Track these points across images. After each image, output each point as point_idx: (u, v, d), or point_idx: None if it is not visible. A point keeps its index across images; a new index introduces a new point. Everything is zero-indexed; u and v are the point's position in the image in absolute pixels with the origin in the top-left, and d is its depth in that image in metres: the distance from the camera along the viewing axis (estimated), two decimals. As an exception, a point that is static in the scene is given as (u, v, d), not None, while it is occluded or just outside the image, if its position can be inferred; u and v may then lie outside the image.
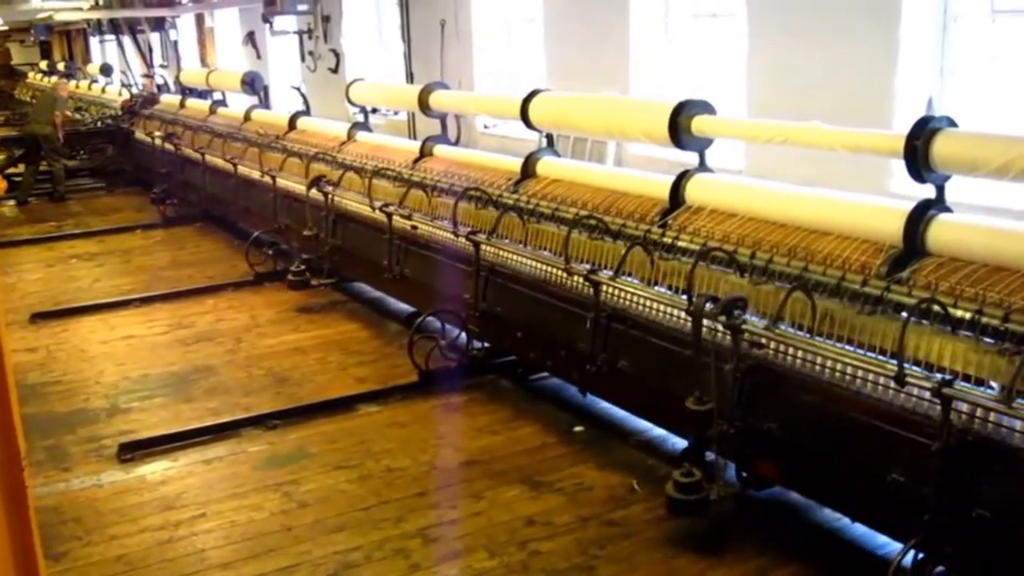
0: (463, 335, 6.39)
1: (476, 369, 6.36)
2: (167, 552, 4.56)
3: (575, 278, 5.27)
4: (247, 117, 11.18)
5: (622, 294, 5.04)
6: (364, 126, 9.06)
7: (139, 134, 13.94)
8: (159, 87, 16.44)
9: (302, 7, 13.23)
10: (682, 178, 5.27)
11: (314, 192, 7.89)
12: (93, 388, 6.74)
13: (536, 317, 5.72)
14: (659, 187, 5.39)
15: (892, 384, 3.63)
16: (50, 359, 7.41)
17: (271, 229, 9.09)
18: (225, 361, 7.13)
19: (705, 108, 5.38)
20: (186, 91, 14.13)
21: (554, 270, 5.53)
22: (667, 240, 5.07)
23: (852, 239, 4.36)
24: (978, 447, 3.42)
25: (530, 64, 9.87)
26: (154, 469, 5.46)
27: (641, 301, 4.93)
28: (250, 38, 16.40)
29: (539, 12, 9.60)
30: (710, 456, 4.28)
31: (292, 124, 10.04)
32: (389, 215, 6.88)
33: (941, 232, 4.11)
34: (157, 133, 12.72)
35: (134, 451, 5.61)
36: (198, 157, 11.09)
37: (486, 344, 6.33)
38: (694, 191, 5.20)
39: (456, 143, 8.46)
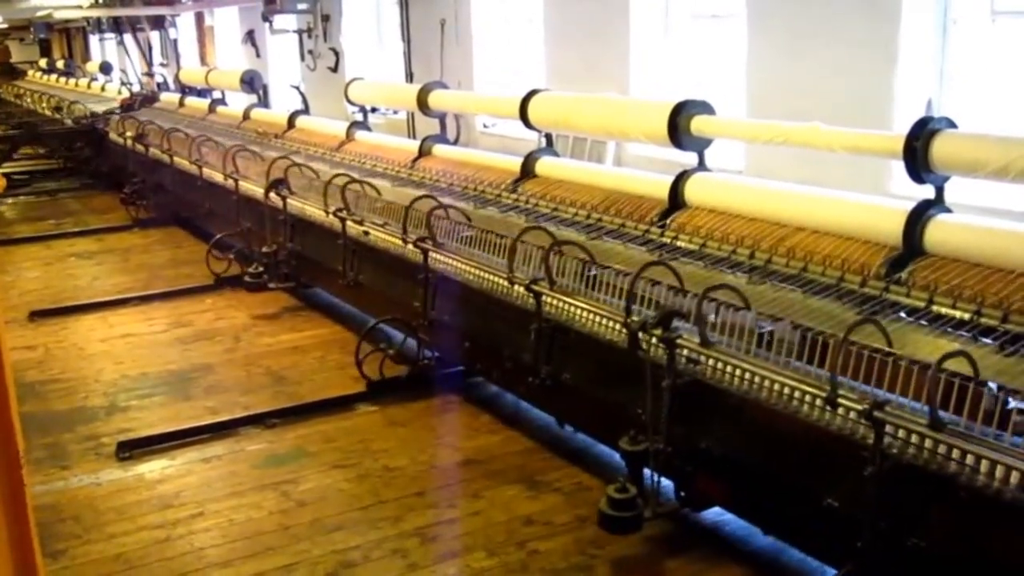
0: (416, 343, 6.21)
1: (425, 379, 6.20)
2: (165, 551, 4.56)
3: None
4: (246, 116, 11.17)
5: (565, 305, 4.83)
6: (363, 125, 9.06)
7: (112, 135, 13.79)
8: (159, 85, 16.44)
9: (302, 6, 13.26)
10: (681, 178, 5.27)
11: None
12: (92, 386, 6.74)
13: (483, 326, 5.59)
14: (658, 187, 5.39)
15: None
16: (49, 357, 7.41)
17: (233, 232, 8.98)
18: (224, 360, 7.13)
19: (704, 108, 5.38)
20: (185, 90, 14.12)
21: (498, 279, 5.28)
22: (666, 240, 5.07)
23: (851, 239, 4.37)
24: (912, 473, 3.24)
25: (529, 64, 9.88)
26: (152, 468, 5.45)
27: (582, 312, 4.70)
28: (250, 37, 16.42)
29: (539, 12, 9.61)
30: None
31: (291, 123, 10.03)
32: (343, 220, 6.78)
33: (940, 233, 4.11)
34: (128, 134, 12.60)
35: (132, 449, 5.61)
36: (166, 159, 11.00)
37: (436, 353, 6.22)
38: (693, 191, 5.20)
39: (455, 143, 8.46)
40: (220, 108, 12.28)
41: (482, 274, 5.42)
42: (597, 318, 4.60)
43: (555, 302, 4.83)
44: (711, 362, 3.95)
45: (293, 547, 4.53)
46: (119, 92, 17.05)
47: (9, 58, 32.03)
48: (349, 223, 6.76)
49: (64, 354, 7.48)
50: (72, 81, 20.96)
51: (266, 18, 14.04)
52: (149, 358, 7.27)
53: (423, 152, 7.59)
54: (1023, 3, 5.86)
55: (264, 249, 8.19)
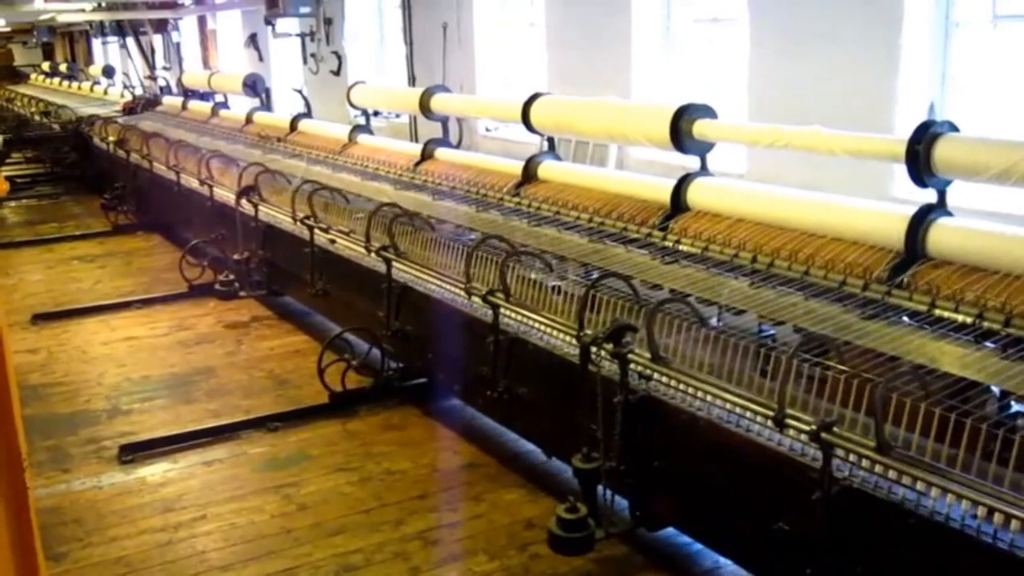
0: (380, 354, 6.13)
1: (390, 391, 6.13)
2: (167, 554, 4.56)
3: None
4: (249, 119, 11.18)
5: (521, 317, 4.74)
6: (365, 129, 9.06)
7: (96, 140, 13.76)
8: (161, 89, 16.45)
9: (304, 10, 13.27)
10: (683, 182, 5.27)
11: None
12: (94, 389, 6.75)
13: (445, 338, 5.49)
14: (660, 191, 5.39)
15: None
16: (51, 360, 7.42)
17: (208, 239, 8.93)
18: (226, 363, 7.14)
19: (706, 112, 5.39)
20: (188, 93, 14.14)
21: (457, 289, 5.18)
22: (668, 244, 5.07)
23: (853, 243, 4.36)
24: (862, 498, 3.12)
25: (532, 68, 9.88)
26: (154, 471, 5.46)
27: (537, 325, 4.61)
28: (252, 40, 16.43)
29: (541, 16, 9.62)
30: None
31: (293, 126, 10.04)
32: (310, 228, 6.76)
33: (942, 237, 4.11)
34: (111, 138, 12.55)
35: (135, 453, 5.61)
36: (146, 164, 10.96)
37: (400, 364, 6.12)
38: (695, 195, 5.20)
39: (457, 146, 8.46)
40: (223, 112, 12.28)
41: (442, 284, 5.34)
42: (552, 331, 4.50)
43: (512, 314, 4.75)
44: (663, 378, 3.87)
45: (295, 550, 4.53)
46: (122, 96, 17.08)
47: (12, 62, 32.08)
48: (316, 231, 6.72)
49: (66, 357, 7.49)
50: (75, 85, 21.00)
51: (269, 22, 14.06)
52: (151, 361, 7.28)
53: (425, 155, 7.59)
54: (1025, 7, 5.86)
55: (236, 256, 8.16)
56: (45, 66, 26.35)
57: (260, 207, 7.76)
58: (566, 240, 5.42)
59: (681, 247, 4.99)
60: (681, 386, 3.81)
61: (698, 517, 4.01)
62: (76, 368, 7.23)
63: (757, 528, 3.51)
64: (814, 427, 3.10)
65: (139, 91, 17.50)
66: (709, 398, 3.67)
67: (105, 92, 18.67)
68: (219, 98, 12.98)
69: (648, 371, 3.90)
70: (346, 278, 6.62)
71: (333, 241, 6.57)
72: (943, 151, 4.12)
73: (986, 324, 3.65)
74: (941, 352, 3.63)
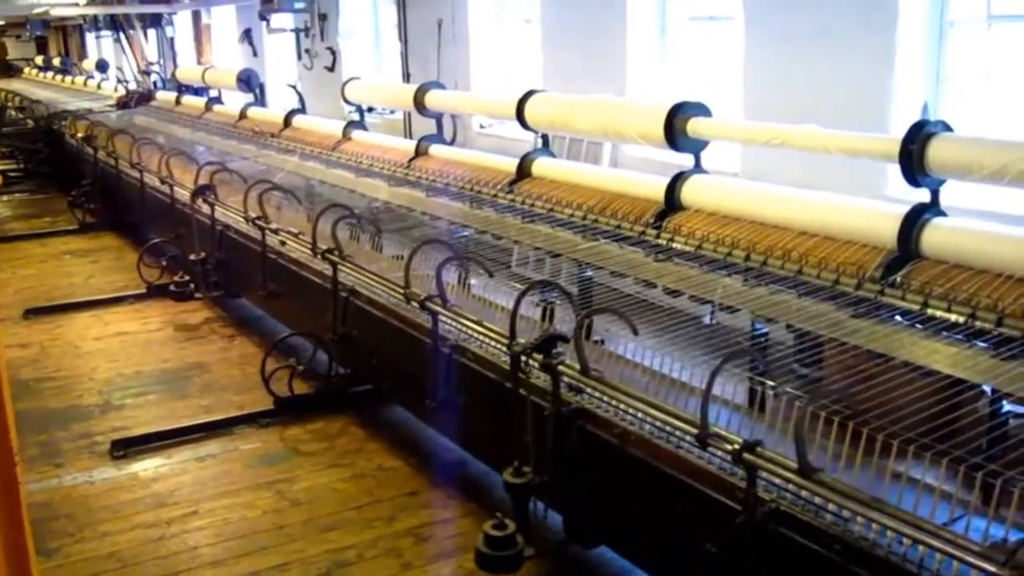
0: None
1: (336, 397, 6.04)
2: (159, 549, 4.56)
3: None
4: (242, 115, 11.15)
5: (459, 324, 4.56)
6: (360, 125, 9.05)
7: (67, 136, 13.56)
8: (155, 84, 16.40)
9: (299, 5, 13.24)
10: (677, 180, 5.27)
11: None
12: (86, 384, 6.74)
13: (388, 344, 5.35)
14: (654, 189, 5.39)
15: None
16: (43, 355, 7.41)
17: (167, 239, 8.84)
18: (218, 359, 7.13)
19: (701, 110, 5.38)
20: (182, 88, 14.10)
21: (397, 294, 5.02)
22: (662, 242, 5.07)
23: (847, 242, 4.37)
24: (788, 521, 2.97)
25: (527, 65, 9.88)
26: (147, 466, 5.45)
27: (475, 333, 4.45)
28: (247, 35, 16.41)
29: (536, 13, 9.61)
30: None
31: (287, 122, 10.02)
32: (262, 229, 6.64)
33: (935, 236, 4.11)
34: (79, 134, 12.36)
35: (127, 448, 5.61)
36: (111, 162, 10.83)
37: (347, 370, 6.01)
38: (689, 193, 5.20)
39: (452, 143, 8.45)
40: (216, 107, 12.25)
41: (384, 288, 5.21)
42: (488, 339, 4.36)
43: (450, 321, 4.59)
44: (593, 391, 3.75)
45: (287, 546, 4.53)
46: (115, 90, 17.02)
47: (5, 55, 31.97)
48: (267, 232, 6.59)
49: (59, 352, 7.48)
50: (68, 79, 20.93)
51: (263, 17, 14.02)
52: (144, 356, 7.27)
53: (419, 152, 7.58)
54: (1020, 7, 5.86)
55: (192, 257, 8.07)
56: (38, 60, 26.28)
57: (216, 207, 7.59)
58: (560, 237, 5.42)
59: (675, 245, 4.99)
60: (612, 400, 3.67)
61: (629, 535, 3.86)
62: (68, 363, 7.21)
63: (686, 549, 3.32)
64: (737, 447, 2.98)
65: (132, 86, 17.46)
66: (638, 412, 3.53)
67: (98, 86, 18.62)
68: (213, 93, 12.96)
69: (578, 383, 3.77)
70: (296, 280, 6.44)
71: (283, 243, 6.44)
72: (936, 151, 4.13)
73: (978, 323, 3.66)
74: (933, 351, 3.65)
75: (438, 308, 4.58)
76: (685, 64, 8.29)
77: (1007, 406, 3.47)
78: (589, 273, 5.27)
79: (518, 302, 4.04)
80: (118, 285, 9.19)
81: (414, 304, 4.74)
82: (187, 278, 8.15)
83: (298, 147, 9.20)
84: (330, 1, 13.39)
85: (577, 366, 3.69)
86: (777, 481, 2.98)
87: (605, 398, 3.73)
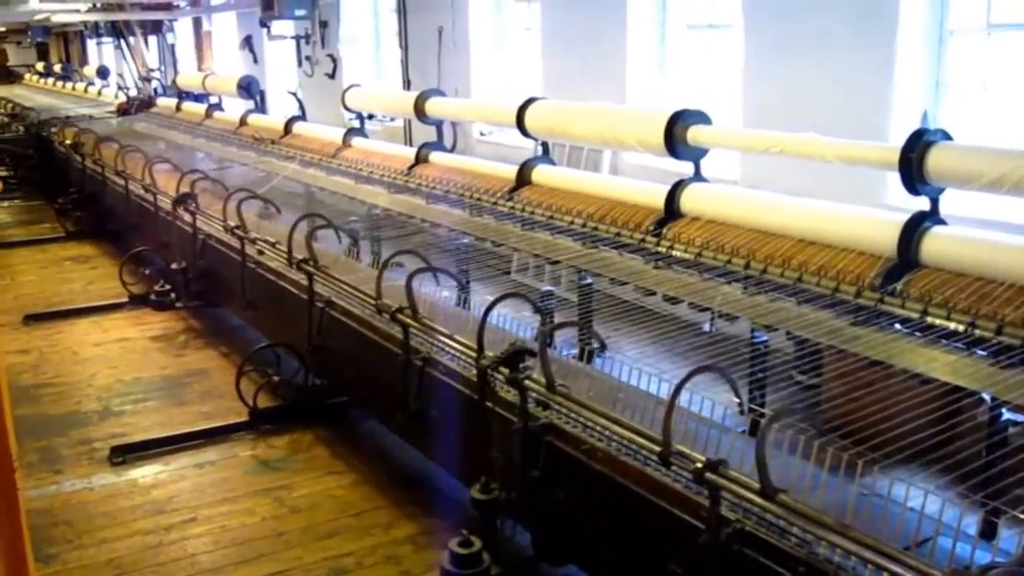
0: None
1: (309, 408, 5.99)
2: (158, 556, 4.56)
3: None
4: (243, 121, 11.17)
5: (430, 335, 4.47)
6: (360, 132, 9.06)
7: (56, 143, 13.42)
8: (156, 90, 16.42)
9: (300, 12, 13.24)
10: (677, 188, 5.28)
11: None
12: (86, 391, 6.74)
13: (362, 355, 5.23)
14: (654, 196, 5.40)
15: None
16: (43, 361, 7.41)
17: (151, 247, 8.77)
18: (218, 365, 7.12)
19: (701, 118, 5.39)
20: (182, 95, 14.12)
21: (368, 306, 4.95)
22: (661, 249, 5.07)
23: (846, 250, 4.37)
24: (752, 542, 2.88)
25: (527, 72, 9.90)
26: (145, 473, 5.45)
27: (444, 345, 4.35)
28: (247, 42, 16.42)
29: (536, 21, 9.63)
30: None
31: (288, 129, 10.03)
32: (240, 239, 6.55)
33: (935, 244, 4.12)
34: (67, 142, 12.25)
35: (126, 454, 5.61)
36: (97, 169, 10.75)
37: (323, 381, 5.98)
38: (689, 201, 5.21)
39: (452, 150, 8.46)
40: (217, 113, 12.27)
41: (358, 300, 5.12)
42: (456, 353, 4.27)
43: (421, 333, 4.49)
44: (559, 407, 3.66)
45: (286, 553, 4.52)
46: (116, 97, 17.03)
47: (6, 62, 32.02)
48: (246, 242, 6.51)
49: (58, 358, 7.48)
50: (69, 85, 20.95)
51: (264, 24, 14.04)
52: (143, 363, 7.27)
53: (420, 159, 7.59)
54: (1019, 16, 5.87)
55: (173, 266, 8.02)
56: (39, 66, 26.30)
57: (197, 216, 7.50)
58: (559, 245, 5.42)
59: (674, 253, 4.99)
60: (578, 416, 3.58)
61: (597, 554, 3.75)
62: (68, 369, 7.21)
63: (653, 569, 3.24)
64: (699, 466, 2.90)
65: (133, 92, 17.47)
66: (604, 429, 3.44)
67: (99, 93, 18.63)
68: (213, 100, 12.97)
69: (544, 398, 3.69)
70: (274, 291, 6.31)
71: (261, 252, 6.35)
72: (936, 159, 4.13)
73: (978, 332, 3.66)
74: (932, 359, 3.65)
75: (408, 320, 4.48)
76: (684, 72, 8.30)
77: (1006, 414, 3.47)
78: (589, 280, 5.28)
79: (485, 315, 3.96)
80: (117, 291, 9.18)
81: (385, 316, 4.64)
82: (168, 287, 8.08)
83: (298, 154, 9.21)
84: (331, 8, 13.41)
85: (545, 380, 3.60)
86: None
87: (573, 413, 3.61)
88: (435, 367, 4.45)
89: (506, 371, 3.76)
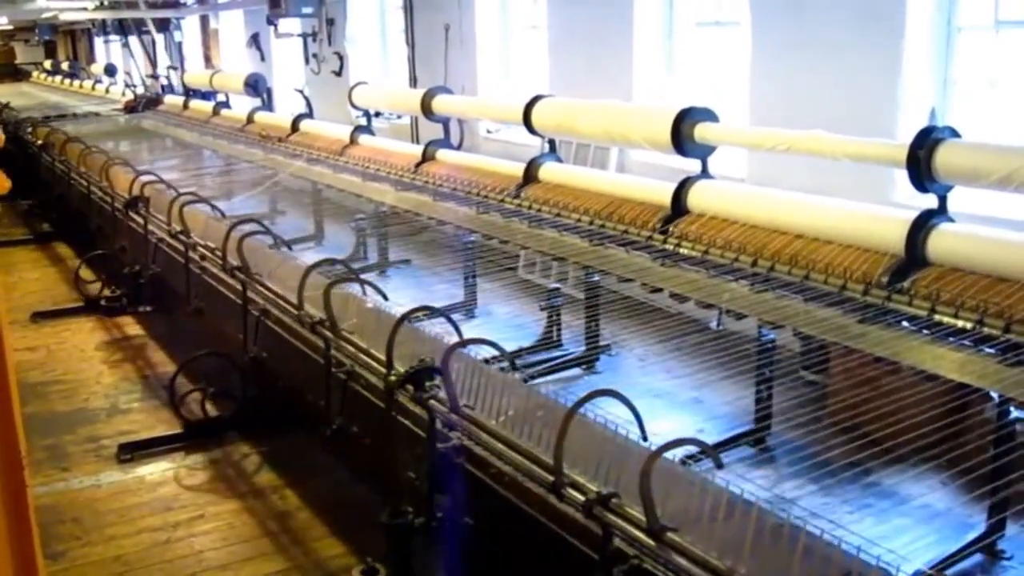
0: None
1: (247, 420, 5.76)
2: (165, 553, 4.56)
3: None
4: (250, 119, 11.19)
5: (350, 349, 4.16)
6: (367, 129, 9.06)
7: (31, 144, 12.97)
8: (163, 88, 16.44)
9: (307, 10, 13.23)
10: (684, 185, 5.27)
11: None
12: (93, 388, 6.75)
13: (292, 367, 4.99)
14: (661, 194, 5.40)
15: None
16: (51, 358, 7.42)
17: (106, 252, 8.58)
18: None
19: (708, 115, 5.39)
20: (190, 92, 14.13)
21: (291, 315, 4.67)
22: (668, 247, 5.07)
23: (854, 248, 4.37)
24: None
25: (534, 69, 9.89)
26: (153, 470, 5.46)
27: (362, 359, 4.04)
28: (254, 40, 16.42)
29: (543, 18, 9.62)
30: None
31: (295, 127, 10.05)
32: (184, 244, 6.30)
33: (943, 242, 4.11)
34: (38, 142, 12.07)
35: (133, 452, 5.61)
36: (63, 170, 10.54)
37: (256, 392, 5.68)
38: (696, 198, 5.21)
39: (459, 147, 8.47)
40: (224, 111, 12.30)
41: (284, 309, 4.81)
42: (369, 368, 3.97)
43: (343, 346, 4.20)
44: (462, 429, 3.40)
45: (293, 550, 4.52)
46: (123, 94, 17.06)
47: (14, 59, 32.09)
48: (189, 247, 6.27)
49: (66, 355, 7.49)
50: (77, 83, 21.00)
51: (271, 22, 14.04)
52: (151, 360, 7.27)
53: (426, 157, 7.59)
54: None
55: (125, 271, 7.86)
56: (47, 64, 26.38)
57: (150, 219, 7.21)
58: (566, 242, 5.42)
59: (681, 250, 4.99)
60: (477, 438, 3.31)
61: None
62: (75, 366, 7.22)
63: None
64: (591, 498, 2.68)
65: (140, 90, 17.49)
66: (506, 452, 3.14)
67: (107, 91, 18.67)
68: (221, 97, 12.99)
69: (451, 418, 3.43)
70: (216, 298, 6.05)
71: (203, 257, 6.08)
72: (944, 157, 4.13)
73: (986, 329, 3.66)
74: (939, 356, 3.65)
75: (327, 333, 4.24)
76: (692, 70, 8.29)
77: (1014, 411, 3.47)
78: (596, 277, 5.28)
79: (395, 329, 3.69)
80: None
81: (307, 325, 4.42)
82: (119, 292, 7.96)
83: (305, 151, 9.22)
84: (338, 6, 13.41)
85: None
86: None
87: (472, 437, 3.35)
88: (357, 381, 4.15)
89: (411, 389, 3.54)
